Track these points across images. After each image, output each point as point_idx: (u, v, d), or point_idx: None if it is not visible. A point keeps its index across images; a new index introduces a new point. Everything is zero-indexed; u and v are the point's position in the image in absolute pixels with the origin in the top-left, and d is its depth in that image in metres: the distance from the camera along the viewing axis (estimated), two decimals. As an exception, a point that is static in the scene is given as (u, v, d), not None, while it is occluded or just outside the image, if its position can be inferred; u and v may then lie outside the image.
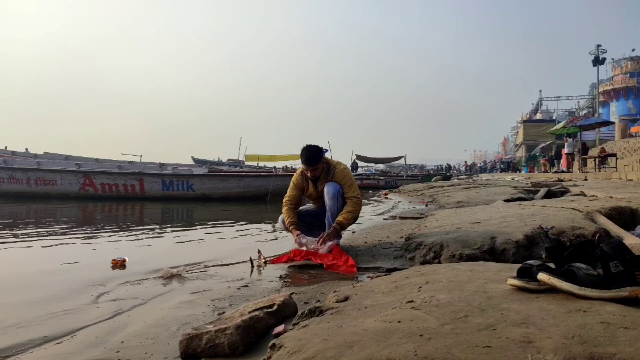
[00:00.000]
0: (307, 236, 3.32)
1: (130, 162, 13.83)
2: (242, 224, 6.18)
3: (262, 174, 12.65)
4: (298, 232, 3.36)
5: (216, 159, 27.96)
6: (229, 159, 27.15)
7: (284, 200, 3.58)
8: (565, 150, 19.76)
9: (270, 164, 26.98)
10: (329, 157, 3.64)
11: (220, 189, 11.16)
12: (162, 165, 12.57)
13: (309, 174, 3.44)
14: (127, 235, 5.03)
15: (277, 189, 10.95)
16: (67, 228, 5.71)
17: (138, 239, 4.78)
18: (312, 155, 3.36)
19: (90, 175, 11.15)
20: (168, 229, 5.89)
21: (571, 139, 19.43)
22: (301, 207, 3.67)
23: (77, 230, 5.48)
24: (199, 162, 23.47)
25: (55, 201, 10.26)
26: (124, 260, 3.25)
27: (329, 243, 3.14)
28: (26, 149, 14.32)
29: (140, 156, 14.74)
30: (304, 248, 3.20)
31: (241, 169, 18.82)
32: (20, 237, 4.87)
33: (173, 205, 9.94)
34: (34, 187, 11.08)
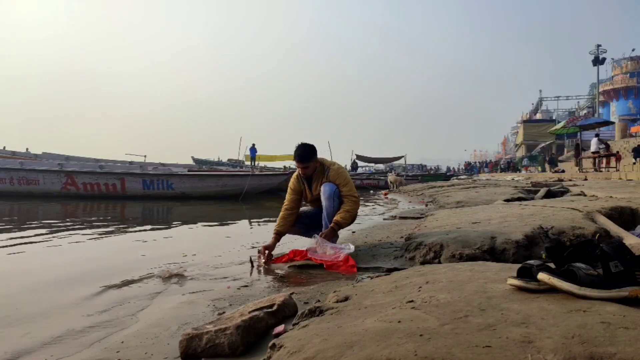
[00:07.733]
0: (306, 237, 3.28)
1: (130, 163, 13.99)
2: (228, 223, 6.14)
3: (239, 173, 13.07)
4: (271, 243, 3.23)
5: (216, 159, 27.94)
6: (229, 159, 27.15)
7: (282, 207, 3.50)
8: (592, 149, 19.60)
9: (270, 164, 26.94)
10: (329, 157, 3.63)
11: (199, 188, 11.46)
12: (144, 166, 12.83)
13: (300, 172, 3.45)
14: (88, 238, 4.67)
15: (253, 189, 11.27)
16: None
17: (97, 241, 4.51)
18: (304, 152, 3.39)
19: (72, 174, 11.35)
20: (148, 230, 5.77)
21: (595, 138, 19.18)
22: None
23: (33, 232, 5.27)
24: (198, 162, 23.49)
25: (38, 200, 10.33)
26: None
27: (341, 253, 2.94)
28: (27, 149, 14.38)
29: (145, 156, 14.85)
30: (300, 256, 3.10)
31: (240, 169, 18.93)
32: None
33: (153, 204, 10.09)
34: (17, 186, 11.24)
